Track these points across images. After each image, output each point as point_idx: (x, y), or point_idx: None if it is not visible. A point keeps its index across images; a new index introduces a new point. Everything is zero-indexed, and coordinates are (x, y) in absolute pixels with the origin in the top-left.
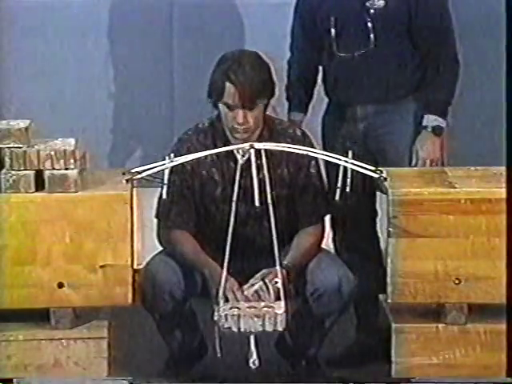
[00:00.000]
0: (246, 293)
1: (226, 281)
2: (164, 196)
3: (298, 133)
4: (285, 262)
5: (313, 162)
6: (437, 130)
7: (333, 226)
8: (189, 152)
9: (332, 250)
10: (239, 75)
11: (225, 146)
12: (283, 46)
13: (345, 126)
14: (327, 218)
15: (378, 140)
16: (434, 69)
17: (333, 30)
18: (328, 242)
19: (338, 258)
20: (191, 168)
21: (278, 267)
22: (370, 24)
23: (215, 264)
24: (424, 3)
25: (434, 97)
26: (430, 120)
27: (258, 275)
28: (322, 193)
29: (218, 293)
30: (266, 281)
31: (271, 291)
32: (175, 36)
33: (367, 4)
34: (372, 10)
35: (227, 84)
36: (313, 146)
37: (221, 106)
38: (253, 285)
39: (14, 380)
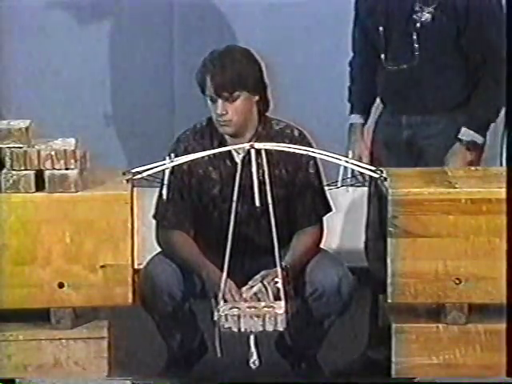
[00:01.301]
0: (244, 295)
1: (225, 283)
2: (164, 196)
3: (296, 133)
4: (284, 263)
5: (311, 162)
6: (470, 145)
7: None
8: (186, 151)
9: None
10: (215, 65)
11: (221, 144)
12: (282, 45)
13: (390, 131)
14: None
15: (420, 150)
16: (484, 84)
17: (382, 41)
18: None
19: (337, 258)
20: (188, 167)
21: (278, 267)
22: (415, 37)
23: (213, 266)
24: (476, 18)
25: (477, 111)
26: (466, 134)
27: (257, 277)
28: (321, 193)
29: (216, 295)
30: (265, 282)
31: (270, 293)
32: (175, 36)
33: (414, 17)
34: (418, 24)
35: (207, 75)
36: (311, 146)
37: (208, 100)
38: (252, 287)
39: (17, 380)
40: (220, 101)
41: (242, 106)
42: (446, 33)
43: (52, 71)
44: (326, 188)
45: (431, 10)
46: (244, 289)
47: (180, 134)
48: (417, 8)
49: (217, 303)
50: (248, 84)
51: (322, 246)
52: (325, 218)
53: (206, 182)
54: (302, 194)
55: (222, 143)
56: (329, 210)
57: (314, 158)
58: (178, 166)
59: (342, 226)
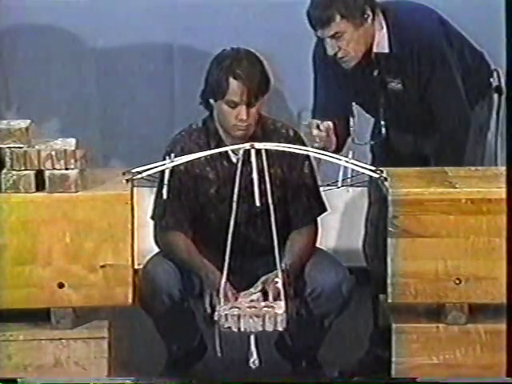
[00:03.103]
0: (240, 299)
1: (225, 284)
2: (164, 196)
3: (291, 133)
4: (283, 264)
5: (306, 162)
6: None
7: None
8: (183, 152)
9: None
10: (244, 71)
11: (218, 145)
12: (282, 46)
13: None
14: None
15: None
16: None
17: (351, 121)
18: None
19: (336, 258)
20: (185, 168)
21: (278, 267)
22: (382, 112)
23: (211, 266)
24: (437, 85)
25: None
26: None
27: (259, 284)
28: (316, 193)
29: (212, 295)
30: (266, 287)
31: (271, 297)
32: (176, 36)
33: (387, 87)
34: (388, 95)
35: (231, 80)
36: (305, 146)
37: (221, 105)
38: (251, 294)
39: (19, 380)
40: (244, 106)
41: (258, 109)
42: (414, 102)
43: (52, 71)
44: (327, 188)
45: (399, 80)
46: (242, 294)
47: (175, 135)
48: (387, 79)
49: (211, 303)
50: (267, 89)
51: (320, 245)
52: (322, 218)
53: (203, 182)
54: (297, 194)
55: (219, 143)
56: (324, 210)
57: (309, 157)
58: (175, 166)
59: (341, 225)
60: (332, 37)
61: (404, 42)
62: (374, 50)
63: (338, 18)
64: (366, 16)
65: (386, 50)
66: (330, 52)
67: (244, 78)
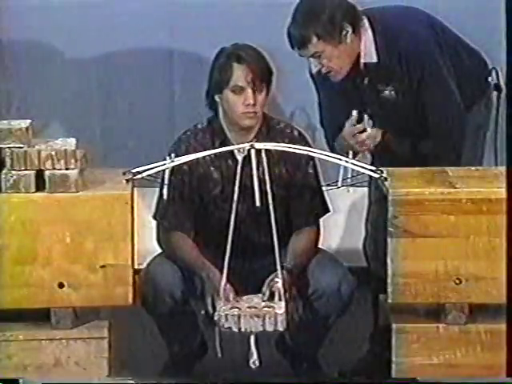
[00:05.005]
0: (241, 302)
1: (225, 285)
2: (165, 196)
3: (295, 133)
4: (285, 263)
5: (310, 163)
6: None
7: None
8: (187, 152)
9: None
10: (247, 55)
11: (223, 144)
12: (280, 46)
13: None
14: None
15: None
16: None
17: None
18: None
19: (337, 259)
20: (188, 168)
21: (278, 267)
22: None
23: (213, 267)
24: (429, 89)
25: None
26: None
27: (267, 287)
28: (319, 193)
29: (213, 296)
30: (273, 289)
31: (276, 298)
32: (176, 36)
33: (381, 95)
34: (382, 102)
35: (235, 65)
36: (310, 147)
37: (227, 95)
38: (252, 299)
39: (20, 380)
40: (249, 91)
41: (263, 100)
42: (408, 107)
43: (52, 70)
44: (327, 188)
45: (391, 87)
46: (245, 297)
47: (180, 135)
48: (379, 87)
49: (213, 304)
50: (269, 79)
51: (322, 246)
52: (324, 218)
53: (207, 181)
54: (300, 195)
55: (224, 143)
56: (327, 210)
57: (313, 158)
58: (178, 166)
59: (343, 225)
60: (312, 56)
61: (391, 49)
62: (362, 60)
63: (314, 39)
64: (344, 33)
65: (374, 60)
66: (314, 70)
67: (248, 61)
